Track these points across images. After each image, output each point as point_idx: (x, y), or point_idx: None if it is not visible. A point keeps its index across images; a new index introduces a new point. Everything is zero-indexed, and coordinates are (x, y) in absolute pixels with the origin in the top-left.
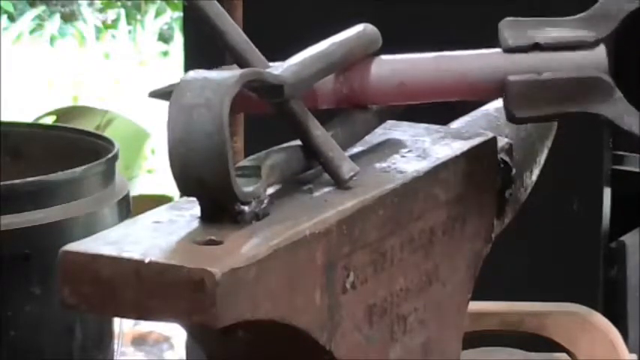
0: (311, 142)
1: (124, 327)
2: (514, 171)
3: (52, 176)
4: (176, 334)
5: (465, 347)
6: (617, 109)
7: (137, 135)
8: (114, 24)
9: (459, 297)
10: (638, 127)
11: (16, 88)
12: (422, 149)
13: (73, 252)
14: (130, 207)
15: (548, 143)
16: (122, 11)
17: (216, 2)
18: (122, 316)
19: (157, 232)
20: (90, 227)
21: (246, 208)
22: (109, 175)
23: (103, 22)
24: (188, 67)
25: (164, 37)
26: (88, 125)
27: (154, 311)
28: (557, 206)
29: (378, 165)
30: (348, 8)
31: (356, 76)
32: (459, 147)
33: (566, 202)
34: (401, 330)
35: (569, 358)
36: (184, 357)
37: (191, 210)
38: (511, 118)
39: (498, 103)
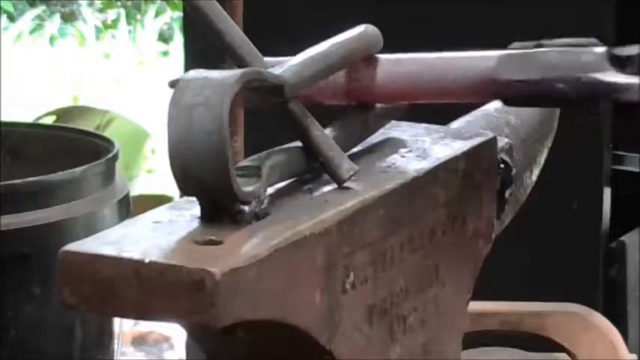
0: (310, 142)
1: (124, 327)
2: (514, 171)
3: (52, 176)
4: (176, 334)
5: (465, 347)
6: (615, 76)
7: (137, 135)
8: (114, 24)
9: (459, 297)
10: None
11: (16, 88)
12: (422, 149)
13: (73, 252)
14: (130, 207)
15: (548, 143)
16: (122, 11)
17: (215, 2)
18: (122, 316)
19: (157, 232)
20: (90, 227)
21: (246, 207)
22: (109, 175)
23: (103, 22)
24: (188, 67)
25: (164, 37)
26: (88, 125)
27: (154, 311)
28: (557, 206)
29: (378, 165)
30: (349, 8)
31: (365, 73)
32: (459, 147)
33: (566, 202)
34: (401, 330)
35: (569, 358)
36: (184, 357)
37: (191, 210)
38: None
39: (498, 104)
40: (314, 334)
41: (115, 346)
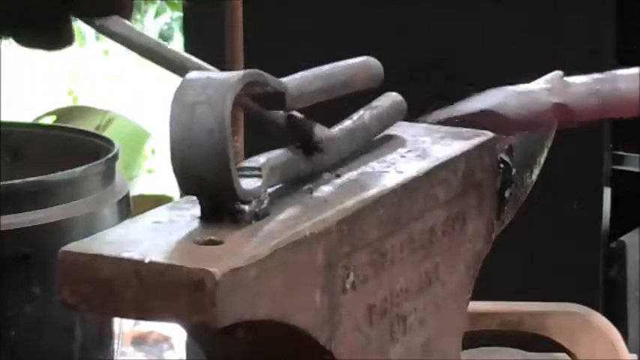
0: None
1: (124, 327)
2: (514, 171)
3: (52, 176)
4: (176, 334)
5: (464, 347)
6: None
7: (137, 135)
8: None
9: (459, 297)
10: None
11: (15, 88)
12: (422, 149)
13: (73, 252)
14: (130, 207)
15: (548, 143)
16: None
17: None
18: (122, 316)
19: (157, 232)
20: (90, 227)
21: (246, 207)
22: (109, 175)
23: None
24: None
25: (164, 37)
26: (88, 125)
27: (154, 311)
28: (557, 206)
29: (378, 165)
30: (348, 10)
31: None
32: (459, 147)
33: (566, 202)
34: (401, 330)
35: (569, 358)
36: (184, 357)
37: (191, 210)
38: None
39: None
40: (314, 334)
41: (115, 346)
